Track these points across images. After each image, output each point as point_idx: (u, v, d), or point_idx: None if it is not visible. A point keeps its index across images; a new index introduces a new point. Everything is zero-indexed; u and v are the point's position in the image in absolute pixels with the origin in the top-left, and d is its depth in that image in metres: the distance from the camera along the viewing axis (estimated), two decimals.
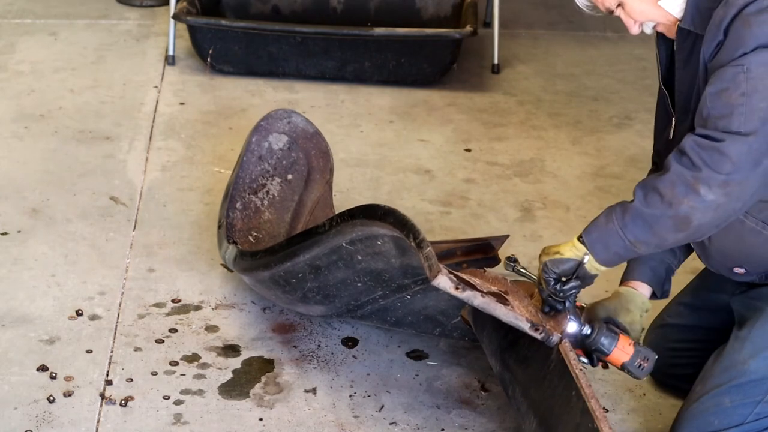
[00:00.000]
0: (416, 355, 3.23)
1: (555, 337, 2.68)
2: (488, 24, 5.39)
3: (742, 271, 2.79)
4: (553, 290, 2.74)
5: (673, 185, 2.53)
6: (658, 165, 2.86)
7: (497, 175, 4.23)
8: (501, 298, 2.73)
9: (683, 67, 2.71)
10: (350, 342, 3.27)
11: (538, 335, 2.68)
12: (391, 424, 2.97)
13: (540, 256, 2.79)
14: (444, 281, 2.58)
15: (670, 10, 2.67)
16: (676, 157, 2.55)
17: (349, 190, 4.06)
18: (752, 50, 2.48)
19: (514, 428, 2.95)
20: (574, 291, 2.74)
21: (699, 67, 2.61)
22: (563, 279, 2.73)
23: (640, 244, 2.63)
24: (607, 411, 3.00)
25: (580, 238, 2.70)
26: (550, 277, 2.74)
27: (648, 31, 2.74)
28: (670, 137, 2.81)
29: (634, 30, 2.72)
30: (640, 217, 2.59)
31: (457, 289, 2.60)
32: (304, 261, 2.96)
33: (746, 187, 2.53)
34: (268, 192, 3.61)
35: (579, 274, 2.71)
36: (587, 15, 2.79)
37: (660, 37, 2.77)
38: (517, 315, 2.67)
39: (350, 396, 3.06)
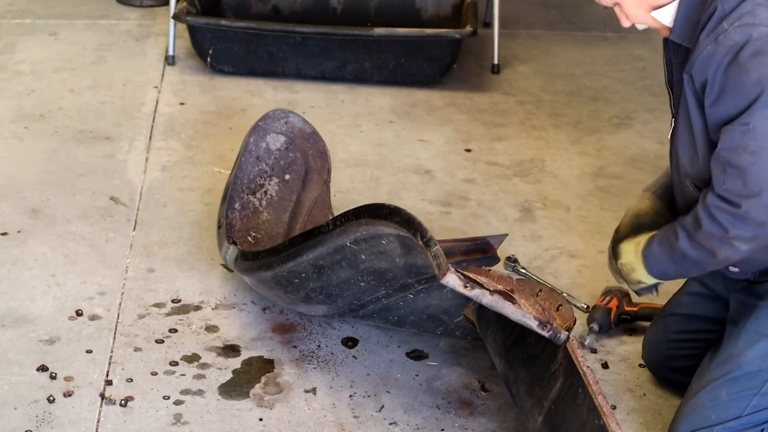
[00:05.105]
0: (416, 355, 3.23)
1: (563, 335, 2.69)
2: (488, 24, 5.38)
3: (736, 269, 2.82)
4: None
5: (710, 239, 2.67)
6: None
7: (497, 175, 4.23)
8: (508, 297, 2.74)
9: (679, 71, 2.73)
10: (350, 342, 3.27)
11: (546, 333, 2.68)
12: (391, 424, 2.96)
13: (623, 281, 2.95)
14: (453, 279, 2.59)
15: (662, 21, 2.70)
16: (706, 216, 2.65)
17: (348, 191, 4.06)
18: (754, 102, 2.52)
19: (515, 428, 2.95)
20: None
21: (684, 78, 2.65)
22: None
23: (691, 274, 2.89)
24: (614, 407, 3.00)
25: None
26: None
27: (639, 28, 2.78)
28: (669, 136, 2.85)
29: (625, 24, 2.80)
30: (690, 260, 2.74)
31: (465, 287, 2.61)
32: (308, 261, 2.96)
33: None
34: (266, 192, 3.61)
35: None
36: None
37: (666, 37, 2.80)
38: (525, 313, 2.68)
39: (350, 396, 3.06)
